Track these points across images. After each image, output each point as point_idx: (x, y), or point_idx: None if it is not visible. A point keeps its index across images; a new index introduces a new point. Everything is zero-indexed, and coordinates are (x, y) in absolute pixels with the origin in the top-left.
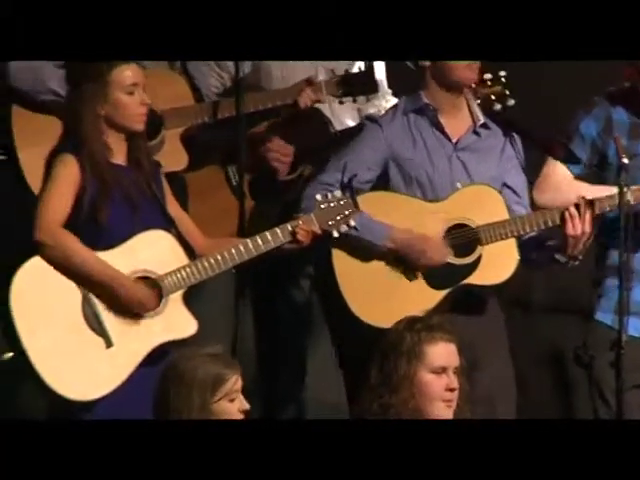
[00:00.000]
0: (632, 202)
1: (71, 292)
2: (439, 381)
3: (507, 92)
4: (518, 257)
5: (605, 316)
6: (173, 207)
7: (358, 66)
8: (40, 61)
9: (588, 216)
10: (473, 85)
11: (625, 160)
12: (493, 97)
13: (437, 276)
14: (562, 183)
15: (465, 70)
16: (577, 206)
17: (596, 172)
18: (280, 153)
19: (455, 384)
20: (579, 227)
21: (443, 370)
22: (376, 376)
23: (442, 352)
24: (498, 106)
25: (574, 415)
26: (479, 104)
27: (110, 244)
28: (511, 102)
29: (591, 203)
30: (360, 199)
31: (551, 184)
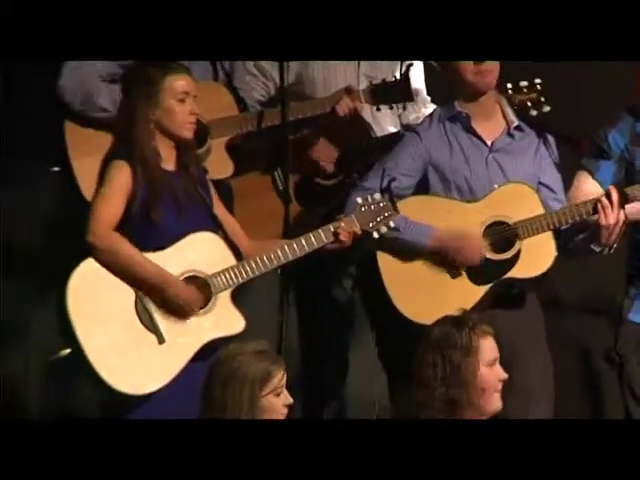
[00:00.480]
0: None
1: (124, 291)
2: (493, 373)
3: (542, 99)
4: (555, 251)
5: (638, 316)
6: (220, 211)
7: (394, 75)
8: (89, 79)
9: (620, 206)
10: (509, 91)
11: None
12: (529, 103)
13: (479, 272)
14: (594, 196)
15: (477, 77)
16: (609, 196)
17: (626, 181)
18: (324, 155)
19: (505, 374)
20: (611, 217)
21: (494, 362)
22: (434, 375)
23: (492, 345)
24: (534, 112)
25: (604, 414)
26: (515, 109)
27: (161, 246)
28: (546, 108)
29: (623, 192)
30: (401, 203)
31: (582, 197)
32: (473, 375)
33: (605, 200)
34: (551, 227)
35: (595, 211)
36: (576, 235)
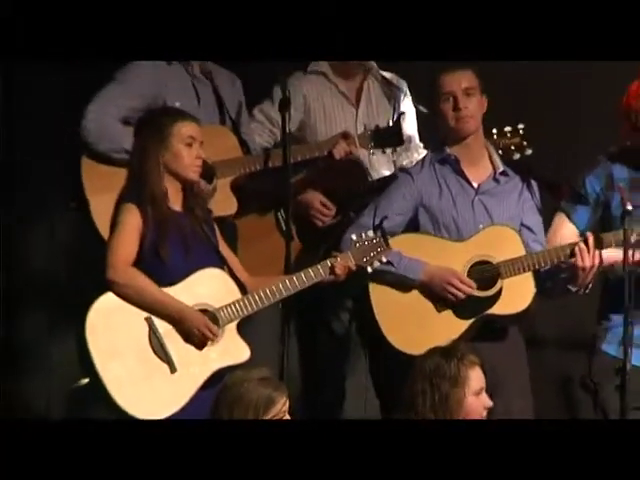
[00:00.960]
0: (636, 237)
1: (138, 324)
2: (479, 402)
3: (525, 143)
4: (534, 289)
5: (610, 347)
6: (223, 249)
7: (387, 121)
8: (112, 121)
9: (596, 250)
10: (494, 136)
11: (629, 207)
12: (513, 147)
13: (463, 307)
14: (569, 238)
15: (458, 123)
16: (586, 241)
17: (601, 223)
18: (321, 212)
19: (490, 402)
20: (588, 260)
21: (481, 391)
22: (423, 402)
23: (479, 375)
24: (517, 155)
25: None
26: (500, 154)
27: (170, 282)
28: (528, 152)
29: (599, 238)
30: (393, 240)
31: (559, 239)
32: (459, 405)
33: (582, 245)
34: (531, 268)
35: (573, 254)
36: (554, 276)
